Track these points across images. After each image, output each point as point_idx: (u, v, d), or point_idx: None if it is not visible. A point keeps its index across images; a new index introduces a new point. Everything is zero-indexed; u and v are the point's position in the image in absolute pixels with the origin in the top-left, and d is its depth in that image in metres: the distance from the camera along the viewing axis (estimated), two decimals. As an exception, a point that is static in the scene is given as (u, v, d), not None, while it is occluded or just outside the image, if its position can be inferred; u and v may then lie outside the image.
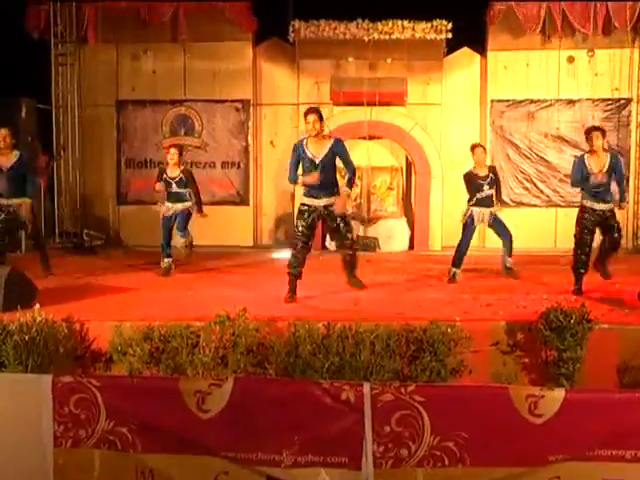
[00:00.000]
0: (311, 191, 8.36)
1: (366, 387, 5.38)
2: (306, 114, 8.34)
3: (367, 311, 7.50)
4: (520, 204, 14.64)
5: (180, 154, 10.53)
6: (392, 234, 14.57)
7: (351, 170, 8.41)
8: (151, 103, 15.18)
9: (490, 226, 10.05)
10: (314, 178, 8.16)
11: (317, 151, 8.27)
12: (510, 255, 10.01)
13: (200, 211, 10.48)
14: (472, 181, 9.84)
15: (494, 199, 9.94)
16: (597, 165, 8.51)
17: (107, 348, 6.67)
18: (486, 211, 9.81)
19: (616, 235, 8.69)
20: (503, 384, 5.81)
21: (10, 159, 9.35)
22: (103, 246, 14.37)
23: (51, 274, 9.81)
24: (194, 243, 10.58)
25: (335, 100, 14.45)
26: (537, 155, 14.65)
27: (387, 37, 14.16)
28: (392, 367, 6.01)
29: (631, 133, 14.61)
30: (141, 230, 14.74)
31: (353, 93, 14.23)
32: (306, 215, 8.33)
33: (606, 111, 14.60)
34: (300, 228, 8.34)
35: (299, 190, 14.31)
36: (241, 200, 15.11)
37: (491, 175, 9.91)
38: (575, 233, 8.67)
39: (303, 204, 8.41)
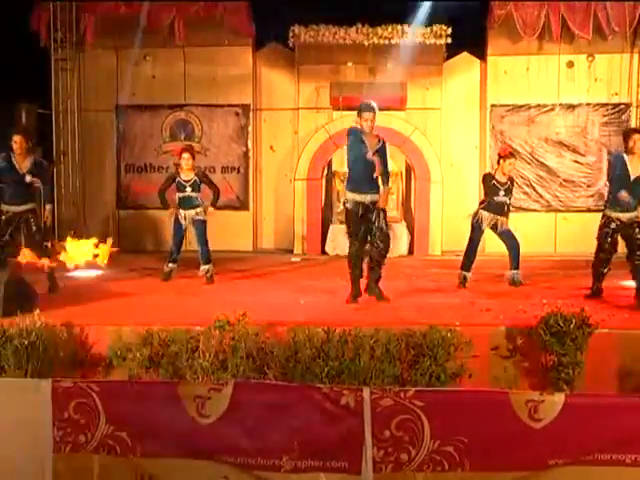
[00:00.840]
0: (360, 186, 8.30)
1: (366, 392, 5.38)
2: (363, 110, 8.23)
3: (367, 316, 7.51)
4: (520, 209, 14.61)
5: (193, 157, 10.43)
6: (392, 239, 14.54)
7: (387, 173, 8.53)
8: (151, 108, 15.19)
9: (499, 235, 9.99)
10: None
11: (371, 146, 8.23)
12: (517, 267, 9.86)
13: (213, 206, 10.32)
14: (489, 183, 9.83)
15: (506, 208, 9.91)
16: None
17: (107, 353, 6.67)
18: (495, 217, 9.77)
19: None
20: (503, 389, 5.80)
21: (25, 165, 9.19)
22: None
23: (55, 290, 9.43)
24: (196, 248, 10.53)
25: (334, 105, 14.46)
26: (537, 160, 14.64)
27: (387, 42, 14.18)
28: (392, 372, 6.01)
29: (630, 137, 14.60)
30: (141, 235, 14.78)
31: (353, 98, 14.20)
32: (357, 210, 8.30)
33: (606, 116, 14.60)
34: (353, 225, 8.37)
35: (299, 194, 14.40)
36: (241, 205, 15.11)
37: (509, 184, 9.87)
38: None
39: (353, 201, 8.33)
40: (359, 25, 14.21)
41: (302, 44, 14.40)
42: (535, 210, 14.64)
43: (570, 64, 14.58)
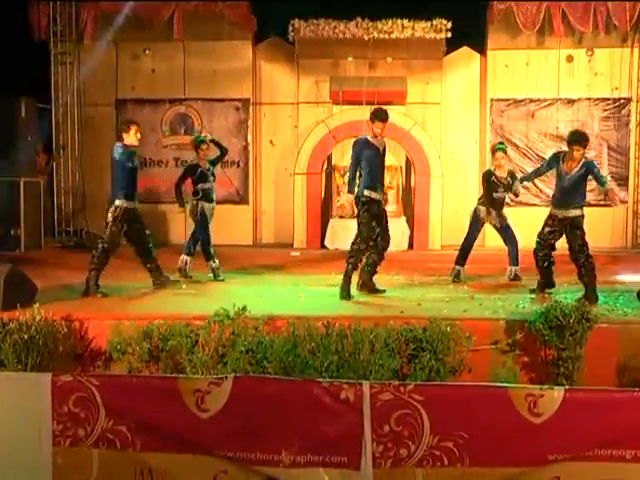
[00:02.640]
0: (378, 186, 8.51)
1: (365, 386, 5.37)
2: (381, 119, 8.40)
3: (366, 310, 7.51)
4: (519, 203, 14.61)
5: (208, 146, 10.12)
6: (392, 233, 14.53)
7: None
8: (151, 102, 15.18)
9: (498, 230, 9.99)
10: None
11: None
12: (517, 264, 9.83)
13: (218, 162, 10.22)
14: (489, 179, 9.86)
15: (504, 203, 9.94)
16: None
17: (106, 347, 6.68)
18: (493, 211, 9.78)
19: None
20: (502, 383, 5.80)
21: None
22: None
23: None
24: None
25: (334, 99, 14.46)
26: (537, 154, 14.64)
27: (387, 36, 14.17)
28: (391, 366, 6.02)
29: (630, 132, 14.61)
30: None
31: (352, 92, 14.23)
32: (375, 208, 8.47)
33: (606, 110, 14.60)
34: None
35: (298, 189, 14.39)
36: (241, 199, 15.12)
37: (509, 179, 9.88)
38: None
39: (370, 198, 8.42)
40: (359, 19, 14.19)
41: (302, 38, 14.39)
42: (535, 205, 14.63)
43: (570, 58, 14.58)
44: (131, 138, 8.66)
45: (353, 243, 8.42)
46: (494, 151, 10.03)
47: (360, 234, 8.37)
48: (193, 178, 9.87)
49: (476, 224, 9.82)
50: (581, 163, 8.25)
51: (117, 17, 14.32)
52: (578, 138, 8.29)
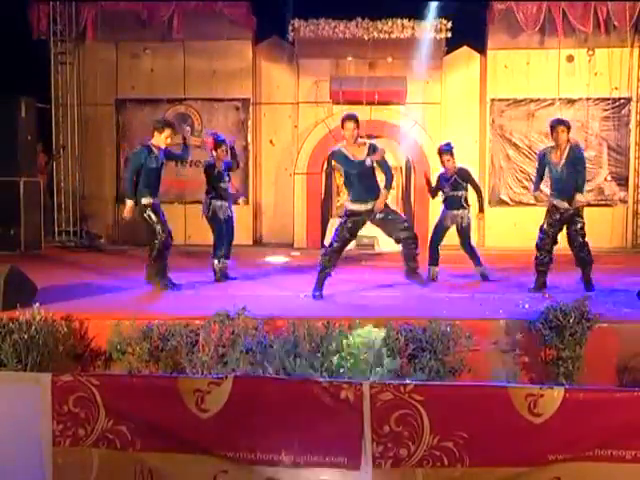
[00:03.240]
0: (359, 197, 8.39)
1: (365, 386, 5.37)
2: (344, 120, 8.35)
3: (366, 310, 7.50)
4: (519, 203, 14.65)
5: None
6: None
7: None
8: (150, 102, 15.18)
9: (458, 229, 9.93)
10: None
11: (356, 155, 8.29)
12: (479, 264, 9.86)
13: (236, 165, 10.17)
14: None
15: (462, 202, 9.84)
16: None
17: (106, 346, 6.68)
18: (453, 212, 9.78)
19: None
20: (502, 383, 5.80)
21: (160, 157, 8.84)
22: (102, 245, 14.39)
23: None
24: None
25: (334, 99, 14.46)
26: (537, 154, 14.62)
27: (387, 36, 14.17)
28: (391, 366, 6.02)
29: (630, 132, 14.61)
30: (140, 229, 14.72)
31: (352, 92, 14.23)
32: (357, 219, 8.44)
33: (606, 110, 14.60)
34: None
35: (298, 189, 14.40)
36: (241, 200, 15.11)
37: (455, 177, 9.81)
38: None
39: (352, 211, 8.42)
40: (359, 19, 14.19)
41: (302, 38, 14.39)
42: (535, 205, 14.59)
43: (570, 58, 14.58)
44: (160, 140, 8.67)
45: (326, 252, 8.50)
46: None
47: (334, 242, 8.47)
48: (210, 177, 9.83)
49: (440, 224, 9.93)
50: (567, 149, 8.42)
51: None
52: (558, 120, 8.56)
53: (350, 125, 8.24)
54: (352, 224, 8.42)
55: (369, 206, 8.29)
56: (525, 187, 14.63)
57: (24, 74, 13.73)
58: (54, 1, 14.60)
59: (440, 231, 9.89)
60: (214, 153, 9.80)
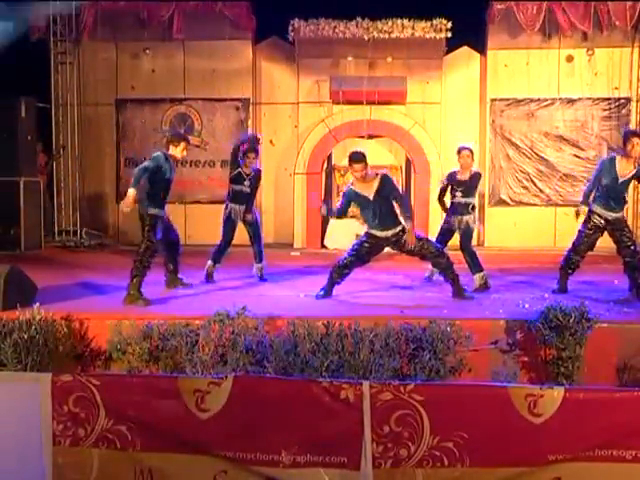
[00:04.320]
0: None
1: (365, 386, 5.37)
2: (352, 162, 8.21)
3: (366, 310, 7.50)
4: (520, 203, 14.64)
5: (257, 155, 9.99)
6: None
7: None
8: (151, 102, 15.18)
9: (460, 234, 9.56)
10: None
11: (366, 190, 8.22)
12: (477, 271, 9.32)
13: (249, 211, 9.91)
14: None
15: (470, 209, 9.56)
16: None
17: (106, 346, 6.69)
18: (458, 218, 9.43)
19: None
20: (502, 383, 5.80)
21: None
22: (102, 245, 14.39)
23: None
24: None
25: (334, 99, 14.45)
26: (537, 154, 14.64)
27: (387, 36, 14.17)
28: (391, 366, 6.02)
29: (631, 132, 14.59)
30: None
31: (353, 92, 14.22)
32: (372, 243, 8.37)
33: (606, 110, 14.59)
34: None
35: (298, 189, 14.39)
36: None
37: (468, 182, 9.39)
38: None
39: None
40: (359, 19, 14.19)
41: (302, 38, 14.39)
42: (535, 204, 14.64)
43: (570, 58, 14.57)
44: (177, 152, 8.62)
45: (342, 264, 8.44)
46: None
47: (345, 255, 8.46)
48: (231, 177, 9.80)
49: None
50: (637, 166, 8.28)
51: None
52: (633, 131, 8.41)
53: (358, 167, 8.12)
54: (370, 245, 8.33)
55: (388, 234, 8.22)
56: (525, 187, 14.64)
57: (24, 74, 13.72)
58: (54, 1, 14.59)
59: (447, 233, 9.55)
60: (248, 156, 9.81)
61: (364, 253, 8.35)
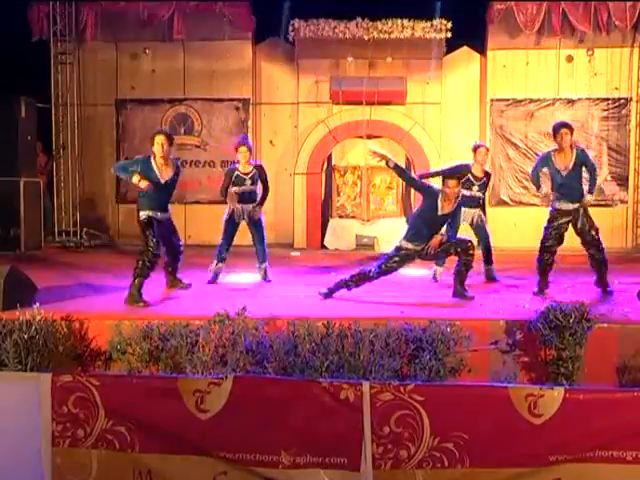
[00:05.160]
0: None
1: (365, 386, 5.37)
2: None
3: (367, 310, 7.50)
4: (519, 203, 14.64)
5: (250, 151, 9.88)
6: (391, 233, 14.54)
7: None
8: (150, 102, 15.18)
9: (472, 227, 9.90)
10: None
11: None
12: (491, 262, 9.84)
13: (261, 205, 9.94)
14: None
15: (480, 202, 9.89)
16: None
17: (106, 347, 6.68)
18: (470, 211, 9.70)
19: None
20: (502, 383, 5.80)
21: (169, 172, 8.60)
22: (103, 245, 14.38)
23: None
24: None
25: (334, 99, 14.44)
26: (536, 154, 14.55)
27: (387, 36, 14.16)
28: (391, 366, 6.02)
29: (630, 132, 14.60)
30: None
31: (352, 92, 14.22)
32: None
33: (605, 110, 14.59)
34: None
35: (298, 189, 14.39)
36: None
37: (484, 179, 9.87)
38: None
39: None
40: (359, 19, 14.18)
41: (302, 38, 14.38)
42: (535, 204, 14.62)
43: (569, 58, 14.57)
44: (154, 149, 8.51)
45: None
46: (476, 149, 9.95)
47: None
48: (224, 188, 9.79)
49: None
50: (574, 154, 8.43)
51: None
52: (562, 123, 8.57)
53: (453, 183, 8.14)
54: (401, 259, 8.43)
55: (420, 247, 8.34)
56: (525, 187, 14.62)
57: (24, 74, 13.72)
58: (54, 1, 14.59)
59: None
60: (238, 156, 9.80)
61: (395, 266, 8.46)
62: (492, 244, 9.95)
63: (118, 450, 5.55)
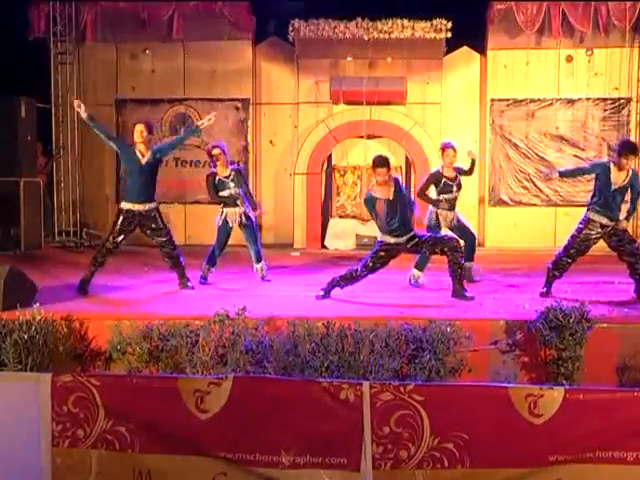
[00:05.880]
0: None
1: (365, 386, 5.37)
2: (376, 166, 8.30)
3: (367, 310, 7.50)
4: (519, 203, 14.64)
5: (224, 153, 9.89)
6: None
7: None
8: (151, 102, 15.18)
9: (452, 229, 9.67)
10: None
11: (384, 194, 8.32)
12: (472, 259, 9.62)
13: (255, 209, 10.00)
14: (439, 182, 9.61)
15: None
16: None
17: (106, 347, 6.68)
18: (451, 214, 9.58)
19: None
20: (502, 383, 5.80)
21: (147, 156, 8.81)
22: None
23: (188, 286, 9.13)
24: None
25: (334, 99, 14.44)
26: (536, 154, 14.63)
27: (387, 36, 14.16)
28: (391, 366, 6.02)
29: (630, 132, 14.59)
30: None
31: (352, 92, 14.22)
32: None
33: (605, 110, 14.59)
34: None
35: (298, 189, 14.39)
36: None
37: (458, 177, 9.66)
38: None
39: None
40: (359, 19, 14.18)
41: (302, 38, 14.38)
42: (535, 204, 14.64)
43: (569, 58, 14.56)
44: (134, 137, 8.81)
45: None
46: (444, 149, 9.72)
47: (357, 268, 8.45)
48: (209, 186, 9.81)
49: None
50: (629, 175, 8.23)
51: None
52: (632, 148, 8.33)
53: (383, 171, 8.22)
54: (386, 254, 8.41)
55: (402, 239, 8.31)
56: (525, 187, 14.63)
57: (24, 74, 13.73)
58: (54, 1, 14.58)
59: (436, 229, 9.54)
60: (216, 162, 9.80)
61: (379, 265, 8.44)
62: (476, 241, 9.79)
63: (118, 450, 5.55)
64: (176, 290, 8.91)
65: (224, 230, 9.74)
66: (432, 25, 14.08)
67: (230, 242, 9.94)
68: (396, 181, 8.38)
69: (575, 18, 14.07)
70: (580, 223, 8.41)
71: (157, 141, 14.92)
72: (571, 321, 6.34)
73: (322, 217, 14.68)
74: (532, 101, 14.69)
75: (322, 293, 8.36)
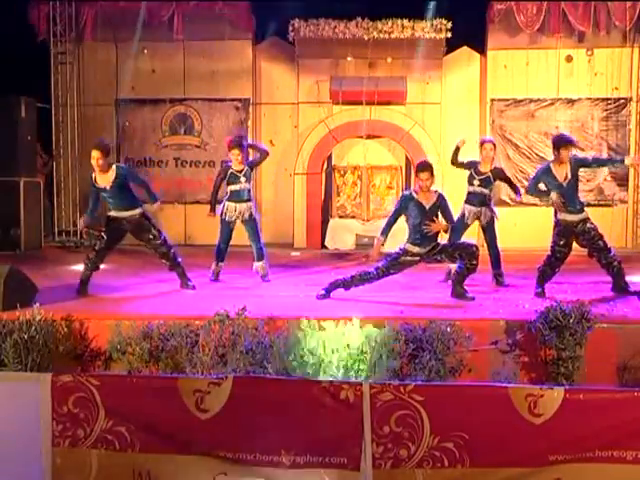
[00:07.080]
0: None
1: (365, 386, 5.36)
2: (420, 171, 8.29)
3: (367, 310, 7.50)
4: (519, 203, 14.59)
5: (242, 151, 9.78)
6: (392, 233, 14.53)
7: None
8: (150, 102, 15.18)
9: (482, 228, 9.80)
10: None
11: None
12: (498, 267, 9.64)
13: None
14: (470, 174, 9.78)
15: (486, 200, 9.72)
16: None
17: (106, 347, 6.68)
18: (473, 209, 9.64)
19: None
20: (502, 383, 5.80)
21: (109, 178, 9.38)
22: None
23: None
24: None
25: (334, 99, 14.45)
26: (537, 154, 14.64)
27: (387, 36, 14.17)
28: (391, 366, 6.01)
29: (630, 132, 14.61)
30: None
31: (352, 92, 14.23)
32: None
33: (605, 110, 14.60)
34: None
35: (298, 189, 14.39)
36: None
37: (489, 175, 9.76)
38: None
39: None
40: (359, 19, 14.20)
41: (302, 38, 14.40)
42: (535, 205, 14.60)
43: (569, 58, 14.57)
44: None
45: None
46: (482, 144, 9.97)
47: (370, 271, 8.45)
48: (225, 176, 9.78)
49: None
50: (572, 164, 8.49)
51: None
52: (567, 139, 8.66)
53: (425, 175, 8.19)
54: (404, 262, 8.41)
55: (424, 250, 8.31)
56: (525, 187, 14.61)
57: (24, 74, 13.72)
58: (54, 1, 14.59)
59: (461, 228, 9.57)
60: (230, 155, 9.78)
61: (396, 270, 8.46)
62: (499, 246, 9.80)
63: (118, 450, 5.54)
64: (176, 290, 8.91)
65: (226, 224, 9.75)
66: (432, 25, 14.11)
67: (234, 242, 9.94)
68: (441, 197, 8.35)
69: (575, 18, 14.08)
70: (554, 230, 8.87)
71: (157, 141, 15.07)
72: (571, 321, 6.34)
73: (322, 217, 14.69)
74: (532, 101, 14.70)
75: (323, 293, 8.35)
